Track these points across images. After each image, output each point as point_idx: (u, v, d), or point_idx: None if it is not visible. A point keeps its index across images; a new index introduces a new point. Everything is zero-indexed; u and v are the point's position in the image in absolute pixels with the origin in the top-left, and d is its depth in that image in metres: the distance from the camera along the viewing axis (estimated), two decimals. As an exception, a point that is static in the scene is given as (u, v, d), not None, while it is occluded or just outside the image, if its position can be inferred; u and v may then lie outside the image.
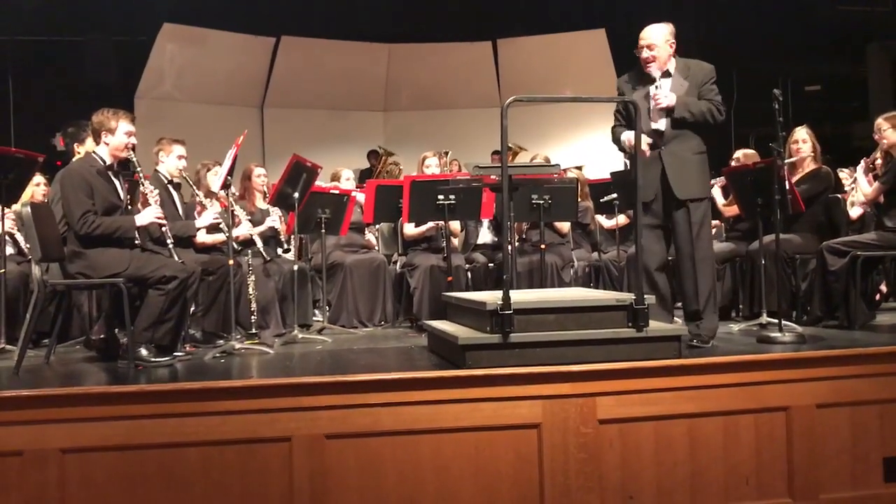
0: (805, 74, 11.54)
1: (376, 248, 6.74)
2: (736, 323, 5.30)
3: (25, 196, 5.32)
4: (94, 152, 4.51)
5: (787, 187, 4.79)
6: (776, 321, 4.45)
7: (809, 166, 5.52)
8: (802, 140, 5.49)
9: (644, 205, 4.19)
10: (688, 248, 4.29)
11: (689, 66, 4.38)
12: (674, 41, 4.37)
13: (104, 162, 4.45)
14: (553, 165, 5.07)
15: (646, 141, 4.22)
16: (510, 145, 9.04)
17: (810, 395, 3.67)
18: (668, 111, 4.29)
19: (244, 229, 5.41)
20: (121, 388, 3.50)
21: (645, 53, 4.34)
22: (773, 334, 4.30)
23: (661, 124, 4.31)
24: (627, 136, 4.35)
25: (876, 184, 5.18)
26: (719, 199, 5.87)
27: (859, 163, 5.50)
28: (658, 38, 4.35)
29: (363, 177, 9.81)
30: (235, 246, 4.91)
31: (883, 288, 6.36)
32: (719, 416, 3.59)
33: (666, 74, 4.33)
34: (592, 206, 6.79)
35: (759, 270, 5.14)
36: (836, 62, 11.43)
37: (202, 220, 5.17)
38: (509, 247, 5.53)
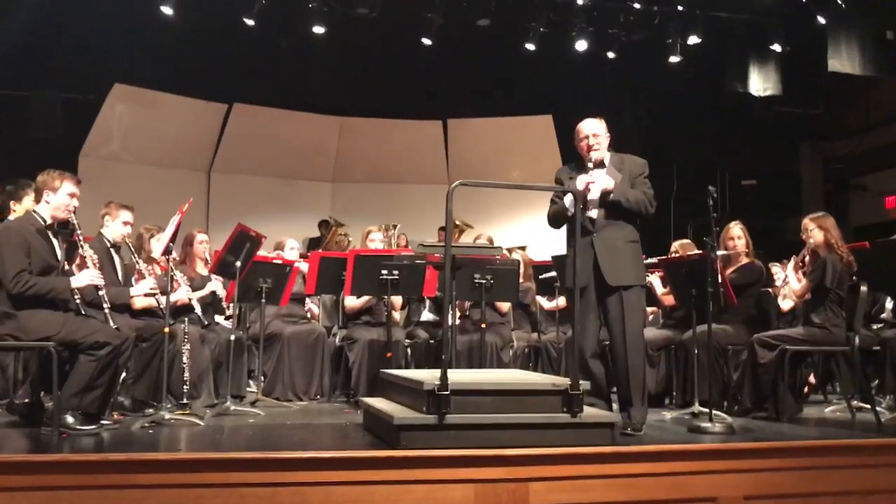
0: (742, 169, 12.01)
1: (317, 318, 6.70)
2: (669, 411, 5.37)
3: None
4: (34, 211, 4.45)
5: (721, 280, 4.94)
6: (707, 411, 4.53)
7: (743, 260, 5.72)
8: (738, 237, 5.71)
9: (580, 291, 4.27)
10: (619, 335, 4.39)
11: (623, 160, 4.60)
12: (608, 134, 4.60)
13: (44, 221, 4.39)
14: (495, 248, 5.17)
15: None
16: (457, 223, 9.17)
17: (738, 487, 3.72)
18: (601, 200, 4.43)
19: (182, 293, 5.34)
20: (41, 456, 3.39)
21: (591, 141, 4.54)
22: (703, 424, 4.37)
23: (594, 212, 4.45)
24: (570, 199, 4.46)
25: (804, 281, 5.39)
26: (658, 288, 6.02)
27: (790, 258, 5.72)
28: (601, 129, 4.58)
29: (312, 245, 9.80)
30: (171, 320, 4.84)
31: (812, 380, 6.53)
32: (649, 505, 3.61)
33: (600, 165, 4.51)
34: (534, 287, 6.89)
35: (692, 359, 5.25)
36: (770, 159, 11.95)
37: (138, 289, 5.09)
38: (450, 324, 5.57)
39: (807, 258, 5.49)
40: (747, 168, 12.08)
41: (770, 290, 6.24)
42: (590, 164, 4.44)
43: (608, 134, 4.59)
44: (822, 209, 5.74)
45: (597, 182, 4.39)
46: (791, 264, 5.59)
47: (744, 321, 5.58)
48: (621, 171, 4.50)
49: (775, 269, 7.00)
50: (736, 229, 5.74)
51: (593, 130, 4.54)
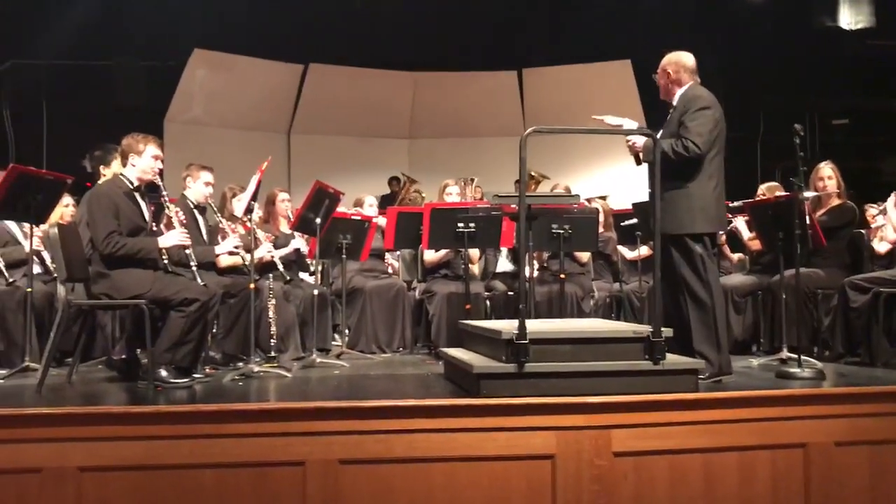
0: (832, 108, 11.48)
1: (397, 273, 6.78)
2: (756, 357, 5.25)
3: (54, 217, 5.43)
4: (121, 174, 4.61)
5: (809, 222, 4.77)
6: (796, 356, 4.41)
7: (834, 202, 5.49)
8: (828, 177, 5.47)
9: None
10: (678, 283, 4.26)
11: (686, 96, 4.29)
12: (678, 71, 4.33)
13: (131, 184, 4.54)
14: (572, 196, 5.09)
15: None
16: (533, 173, 9.06)
17: (829, 433, 3.63)
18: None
19: (264, 251, 5.47)
20: (139, 408, 3.55)
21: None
22: (792, 370, 4.26)
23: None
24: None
25: (905, 220, 5.14)
26: (745, 233, 5.86)
27: (888, 198, 5.46)
28: (661, 64, 4.39)
29: (384, 203, 9.86)
30: (255, 275, 4.95)
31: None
32: (735, 451, 3.56)
33: (671, 106, 4.36)
34: (615, 237, 6.79)
35: (779, 304, 5.11)
36: (863, 96, 11.36)
37: (223, 247, 5.23)
38: (528, 275, 5.55)
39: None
40: (838, 107, 11.53)
41: (864, 231, 5.99)
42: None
43: (669, 70, 4.32)
44: (920, 147, 5.46)
45: (635, 141, 4.34)
46: (891, 201, 5.33)
47: (835, 264, 5.38)
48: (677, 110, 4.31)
49: (871, 210, 6.71)
50: (826, 169, 5.50)
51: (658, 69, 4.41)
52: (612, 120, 4.40)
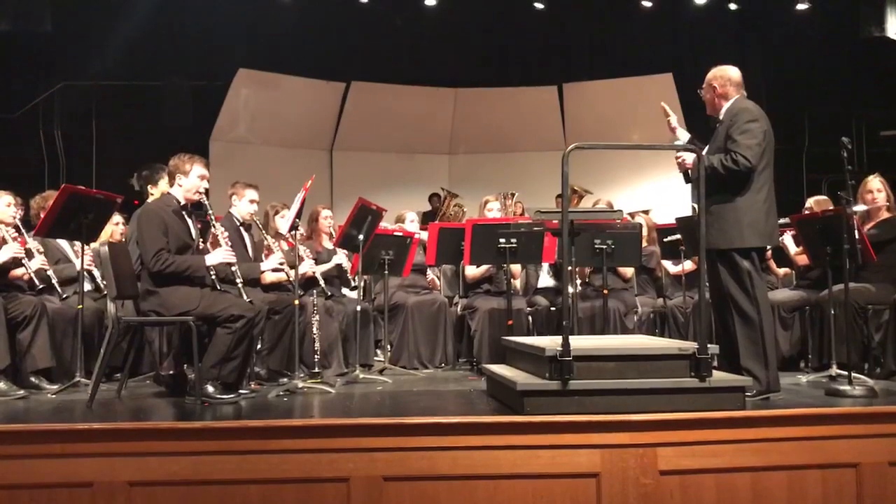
0: (880, 119, 11.27)
1: (439, 288, 6.79)
2: (804, 374, 5.15)
3: (104, 235, 5.54)
4: (169, 193, 4.70)
5: (858, 236, 4.68)
6: (846, 373, 4.32)
7: (884, 215, 5.39)
8: (877, 190, 5.37)
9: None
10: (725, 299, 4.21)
11: (732, 110, 4.25)
12: (724, 85, 4.29)
13: (179, 203, 4.63)
14: (615, 211, 5.06)
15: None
16: (575, 188, 9.04)
17: (882, 452, 3.54)
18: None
19: (306, 267, 5.52)
20: (187, 424, 3.60)
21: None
22: (842, 387, 4.17)
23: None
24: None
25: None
26: (791, 248, 5.77)
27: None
28: (707, 79, 4.36)
29: (426, 219, 9.89)
30: (300, 291, 5.00)
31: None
32: (784, 470, 3.49)
33: (717, 120, 4.32)
34: (659, 252, 6.72)
35: (828, 320, 5.01)
36: (913, 106, 11.14)
37: (267, 264, 5.30)
38: (571, 291, 5.53)
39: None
40: (886, 118, 11.32)
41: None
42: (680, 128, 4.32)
43: (715, 83, 4.29)
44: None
45: (684, 157, 4.31)
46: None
47: (886, 279, 5.26)
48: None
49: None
50: (875, 182, 5.40)
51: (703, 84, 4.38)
52: (675, 121, 4.45)
